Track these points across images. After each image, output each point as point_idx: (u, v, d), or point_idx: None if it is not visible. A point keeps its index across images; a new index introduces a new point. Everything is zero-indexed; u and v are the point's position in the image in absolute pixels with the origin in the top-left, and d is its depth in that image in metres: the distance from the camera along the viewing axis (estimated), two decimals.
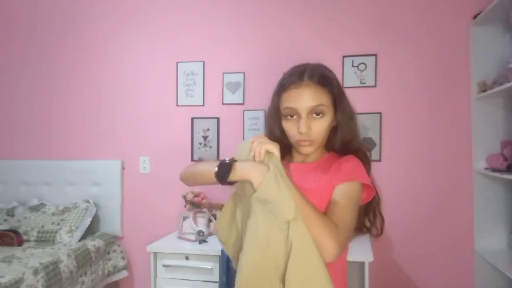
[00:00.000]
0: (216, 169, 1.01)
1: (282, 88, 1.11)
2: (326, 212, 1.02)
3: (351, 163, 1.11)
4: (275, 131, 1.17)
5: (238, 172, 0.98)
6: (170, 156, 2.83)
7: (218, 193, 2.56)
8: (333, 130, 1.15)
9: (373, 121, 2.54)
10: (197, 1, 2.81)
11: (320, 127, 1.09)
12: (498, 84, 2.15)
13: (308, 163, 1.17)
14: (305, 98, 1.06)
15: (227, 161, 1.01)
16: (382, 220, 1.19)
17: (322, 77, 1.09)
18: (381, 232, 1.19)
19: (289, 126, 1.11)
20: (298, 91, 1.07)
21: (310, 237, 0.91)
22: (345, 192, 1.04)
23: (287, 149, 1.19)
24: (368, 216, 1.18)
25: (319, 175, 1.12)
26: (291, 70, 1.14)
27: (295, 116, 1.09)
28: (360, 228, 1.18)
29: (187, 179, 1.16)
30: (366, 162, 1.15)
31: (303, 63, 1.15)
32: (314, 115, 1.08)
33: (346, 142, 1.16)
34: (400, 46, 2.53)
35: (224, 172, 0.99)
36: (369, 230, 1.20)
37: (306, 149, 1.11)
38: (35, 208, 2.78)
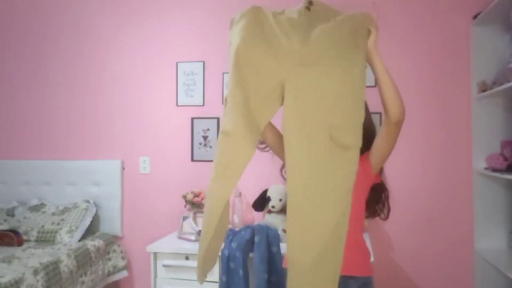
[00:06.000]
0: None
1: None
2: (377, 143, 1.47)
3: None
4: None
5: None
6: (170, 156, 2.83)
7: None
8: None
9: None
10: (198, 1, 2.81)
11: None
12: (498, 84, 2.15)
13: None
14: None
15: None
16: (389, 209, 1.51)
17: None
18: (387, 217, 1.51)
19: None
20: None
21: None
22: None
23: None
24: (378, 205, 1.50)
25: None
26: None
27: None
28: (372, 213, 1.50)
29: None
30: None
31: None
32: None
33: None
34: (400, 46, 2.53)
35: None
36: (378, 215, 1.52)
37: None
38: (35, 208, 2.77)
